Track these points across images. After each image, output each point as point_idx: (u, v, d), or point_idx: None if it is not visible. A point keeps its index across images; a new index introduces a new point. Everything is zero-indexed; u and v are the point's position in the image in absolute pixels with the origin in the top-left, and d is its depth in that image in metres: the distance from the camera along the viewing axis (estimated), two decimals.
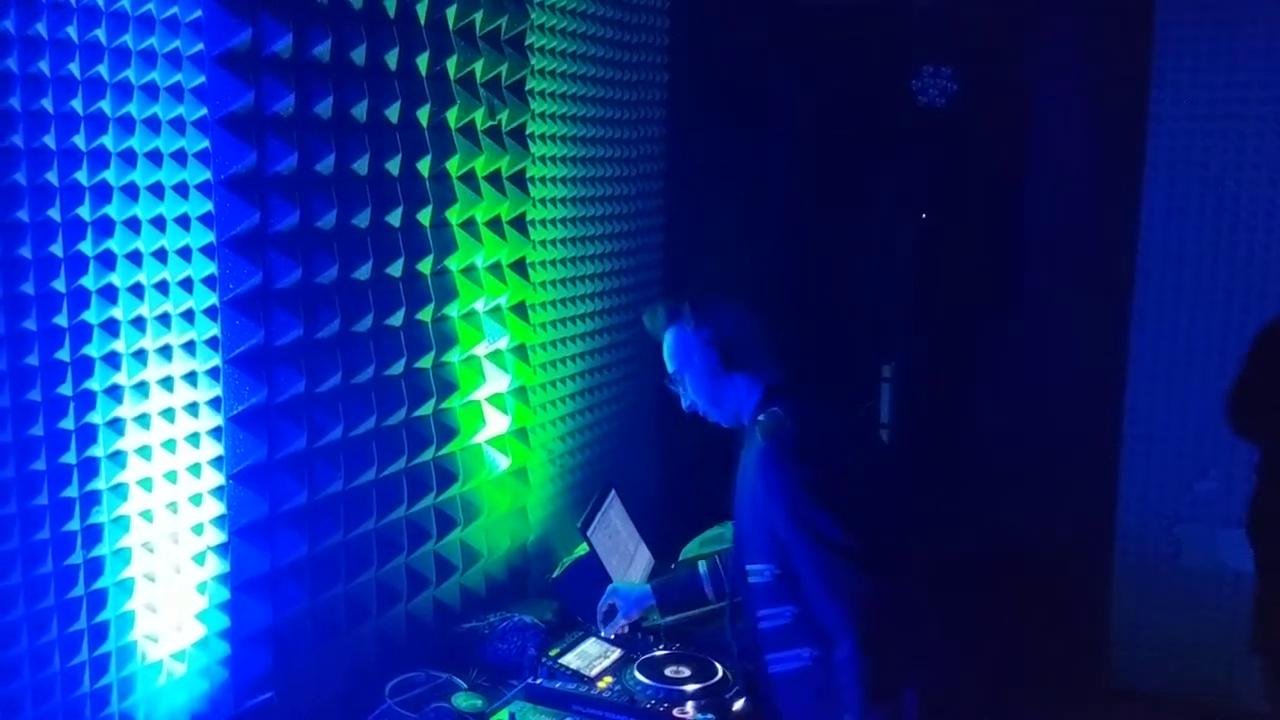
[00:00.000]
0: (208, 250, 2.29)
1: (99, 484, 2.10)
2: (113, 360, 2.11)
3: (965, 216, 4.52)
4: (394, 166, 2.70)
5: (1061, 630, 4.16)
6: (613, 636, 2.96)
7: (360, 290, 2.63)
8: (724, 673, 2.75)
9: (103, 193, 2.08)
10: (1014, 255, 4.47)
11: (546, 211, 3.43)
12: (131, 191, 2.14)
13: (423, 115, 2.78)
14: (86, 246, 2.05)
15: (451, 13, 2.84)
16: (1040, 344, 4.34)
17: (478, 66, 2.96)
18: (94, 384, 2.08)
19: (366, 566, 2.72)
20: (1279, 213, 3.96)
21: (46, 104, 1.97)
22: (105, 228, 2.09)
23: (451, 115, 2.88)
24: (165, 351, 2.23)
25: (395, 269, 2.72)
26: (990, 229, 4.49)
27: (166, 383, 2.23)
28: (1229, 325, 4.03)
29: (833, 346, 4.35)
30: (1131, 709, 4.15)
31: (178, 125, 2.22)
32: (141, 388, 2.18)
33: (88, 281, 2.06)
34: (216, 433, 2.35)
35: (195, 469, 2.31)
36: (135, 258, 2.15)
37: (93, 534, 2.10)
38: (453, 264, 2.93)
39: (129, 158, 2.12)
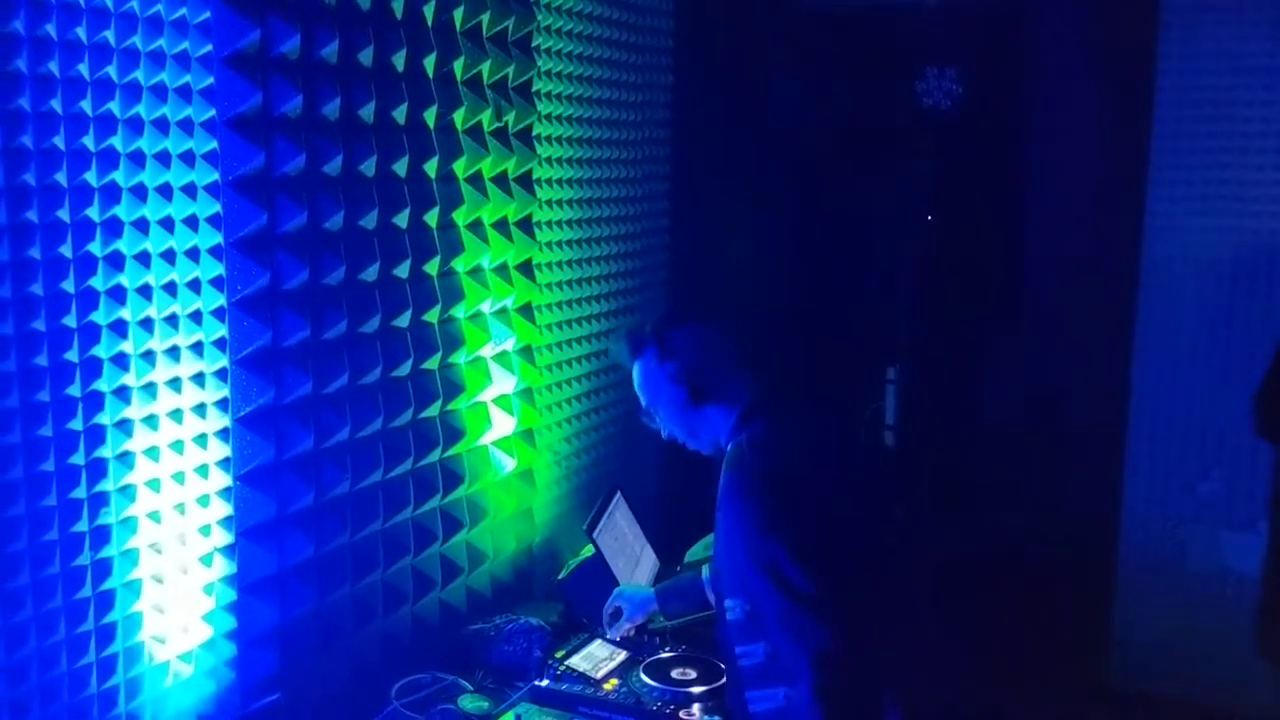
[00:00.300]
0: (215, 251, 2.29)
1: (107, 485, 2.10)
2: (121, 361, 2.12)
3: (970, 219, 4.52)
4: (401, 168, 2.70)
5: (1065, 632, 4.16)
6: (618, 639, 2.95)
7: (367, 291, 2.63)
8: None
9: (111, 194, 2.08)
10: (1018, 257, 4.47)
11: (552, 213, 3.43)
12: (140, 192, 2.14)
13: (429, 117, 2.78)
14: (95, 247, 2.05)
15: (458, 14, 2.84)
16: (1044, 345, 4.34)
17: (484, 68, 2.96)
18: (102, 385, 2.08)
19: (373, 568, 2.72)
20: None
21: (55, 105, 1.97)
22: (114, 228, 2.09)
23: (458, 117, 2.88)
24: (173, 353, 2.23)
25: (402, 270, 2.72)
26: (995, 231, 4.49)
27: (174, 384, 2.23)
28: (1233, 327, 4.03)
29: (838, 349, 4.35)
30: (1134, 711, 4.15)
31: (186, 126, 2.22)
32: (149, 389, 2.18)
33: (96, 282, 2.06)
34: (224, 434, 2.35)
35: (203, 470, 2.31)
36: (144, 259, 2.15)
37: (100, 535, 2.10)
38: (459, 265, 2.93)
39: (138, 159, 2.13)
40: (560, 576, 3.23)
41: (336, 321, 2.53)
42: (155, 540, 2.21)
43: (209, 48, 2.23)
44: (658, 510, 3.81)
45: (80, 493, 2.06)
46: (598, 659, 2.87)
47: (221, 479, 2.36)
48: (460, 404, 2.95)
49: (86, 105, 2.02)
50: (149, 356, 2.17)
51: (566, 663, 2.80)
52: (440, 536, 2.92)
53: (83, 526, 2.07)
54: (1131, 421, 4.23)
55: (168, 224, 2.20)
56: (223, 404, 2.34)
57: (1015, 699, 3.76)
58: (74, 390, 2.03)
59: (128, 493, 2.15)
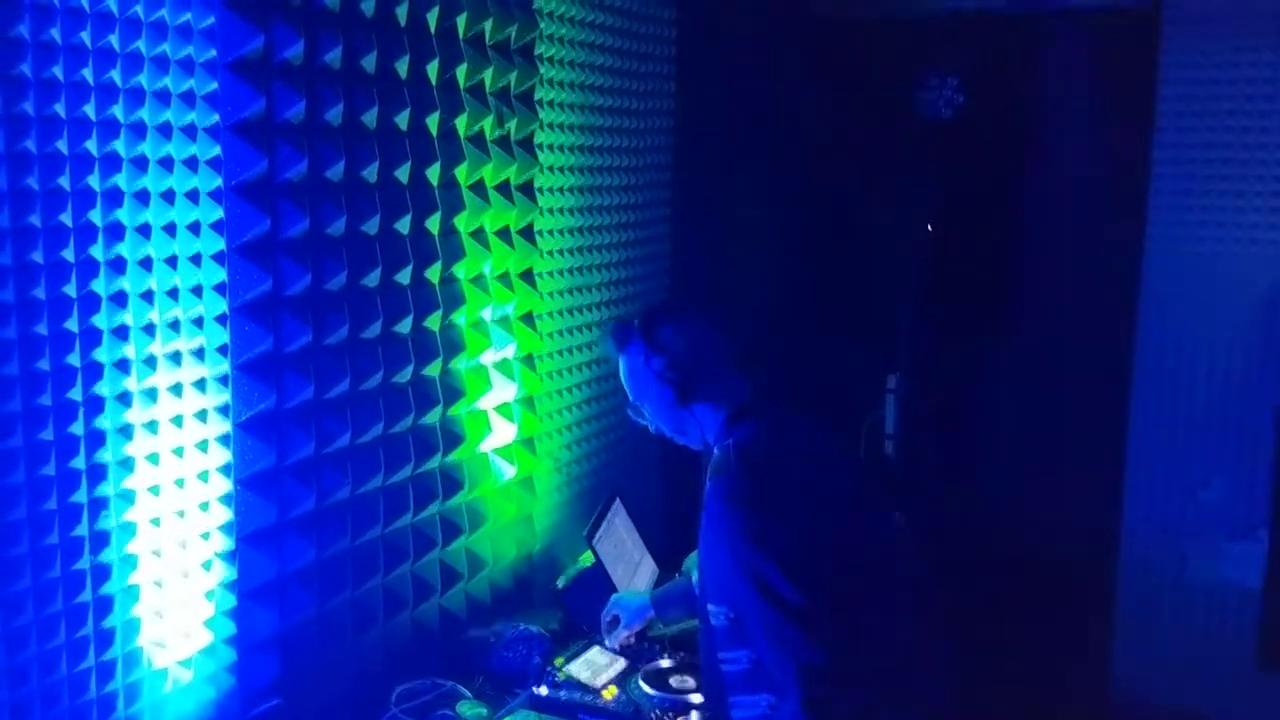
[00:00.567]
0: (218, 256, 2.30)
1: (107, 489, 2.10)
2: (123, 366, 2.12)
3: (971, 228, 4.52)
4: (403, 174, 2.70)
5: (1065, 643, 4.15)
6: (617, 646, 2.95)
7: (369, 297, 2.63)
8: None
9: (114, 198, 2.08)
10: (1019, 267, 4.47)
11: (554, 221, 3.44)
12: (143, 197, 2.14)
13: (432, 123, 2.79)
14: (98, 251, 2.06)
15: (462, 21, 2.85)
16: (1045, 355, 4.33)
17: (487, 75, 2.97)
18: (104, 389, 2.08)
19: (373, 573, 2.72)
20: None
21: (59, 109, 1.98)
22: (116, 233, 2.09)
23: (461, 123, 2.89)
24: (175, 357, 2.23)
25: (404, 276, 2.72)
26: (995, 241, 4.49)
27: (176, 389, 2.23)
28: (1234, 338, 4.03)
29: (838, 357, 4.34)
30: None
31: (189, 131, 2.23)
32: (151, 393, 2.18)
33: (99, 287, 2.06)
34: (225, 439, 2.35)
35: (204, 475, 2.31)
36: (146, 263, 2.15)
37: (100, 539, 2.10)
38: (461, 272, 2.94)
39: (141, 163, 2.13)
40: (560, 583, 3.23)
41: (338, 327, 2.53)
42: (155, 545, 2.21)
43: (213, 53, 2.24)
44: (657, 518, 3.81)
45: (81, 497, 2.06)
46: (597, 666, 2.87)
47: (222, 484, 2.36)
48: (460, 411, 2.96)
49: (90, 110, 2.02)
50: (151, 361, 2.17)
51: (565, 670, 2.80)
52: (440, 543, 2.92)
53: (83, 531, 2.07)
54: (1132, 432, 4.24)
55: (170, 229, 2.20)
56: (224, 409, 2.35)
57: (1015, 710, 3.75)
58: (75, 394, 2.03)
59: (128, 497, 2.15)
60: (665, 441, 2.46)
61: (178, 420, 2.24)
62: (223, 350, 2.33)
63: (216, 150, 2.26)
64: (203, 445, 2.31)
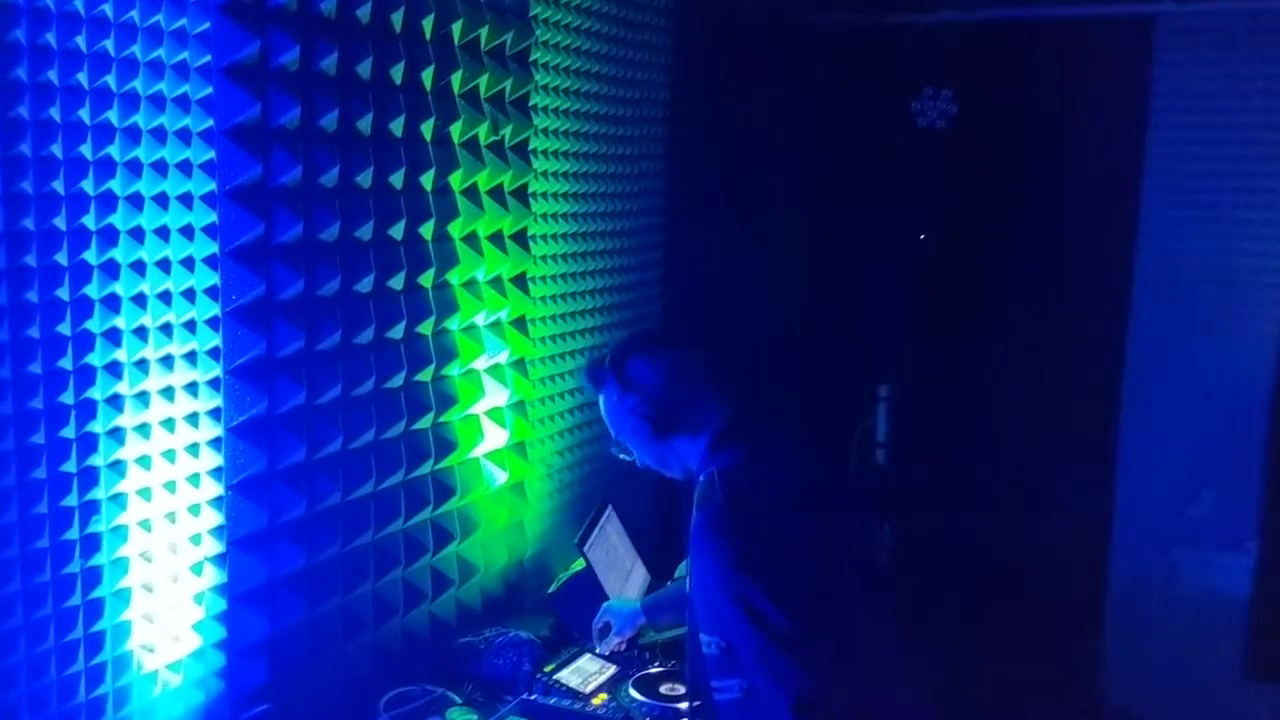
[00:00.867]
0: (211, 261, 2.30)
1: (98, 493, 2.10)
2: (115, 369, 2.12)
3: (963, 238, 4.54)
4: (397, 180, 2.71)
5: (1055, 653, 4.16)
6: (608, 653, 2.95)
7: (362, 303, 2.63)
8: None
9: (108, 202, 2.09)
10: (1011, 277, 4.49)
11: (548, 227, 3.44)
12: (137, 201, 2.14)
13: (426, 129, 2.79)
14: (91, 255, 2.06)
15: (457, 28, 2.86)
16: (1036, 365, 4.35)
17: (482, 82, 2.97)
18: (95, 393, 2.08)
19: (363, 579, 2.72)
20: (1276, 236, 3.98)
21: (54, 113, 1.98)
22: (110, 237, 2.09)
23: (455, 129, 2.89)
24: (167, 361, 2.23)
25: (397, 282, 2.72)
26: (987, 251, 4.51)
27: (168, 392, 2.23)
28: (1226, 348, 4.05)
29: (830, 366, 4.36)
30: None
31: (184, 136, 2.23)
32: (143, 397, 2.18)
33: (91, 290, 2.06)
34: (216, 443, 2.35)
35: (194, 479, 2.31)
36: (139, 267, 2.15)
37: (91, 543, 2.10)
38: (454, 278, 2.94)
39: (135, 167, 2.13)
40: (551, 590, 3.23)
41: (331, 332, 2.53)
42: (146, 549, 2.21)
43: (208, 58, 2.24)
44: (649, 525, 3.81)
45: (72, 500, 2.06)
46: (587, 673, 2.87)
47: (213, 488, 2.36)
48: (453, 416, 2.96)
49: (85, 114, 2.03)
50: (143, 365, 2.17)
51: (556, 677, 2.80)
52: (431, 549, 2.91)
53: (74, 534, 2.07)
54: (1123, 442, 4.25)
55: (163, 233, 2.20)
56: (215, 413, 2.34)
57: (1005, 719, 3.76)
58: (67, 398, 2.03)
59: (119, 501, 2.15)
60: (654, 473, 2.45)
61: (169, 424, 2.24)
62: (215, 354, 2.33)
63: (210, 155, 2.26)
64: (194, 449, 2.30)
